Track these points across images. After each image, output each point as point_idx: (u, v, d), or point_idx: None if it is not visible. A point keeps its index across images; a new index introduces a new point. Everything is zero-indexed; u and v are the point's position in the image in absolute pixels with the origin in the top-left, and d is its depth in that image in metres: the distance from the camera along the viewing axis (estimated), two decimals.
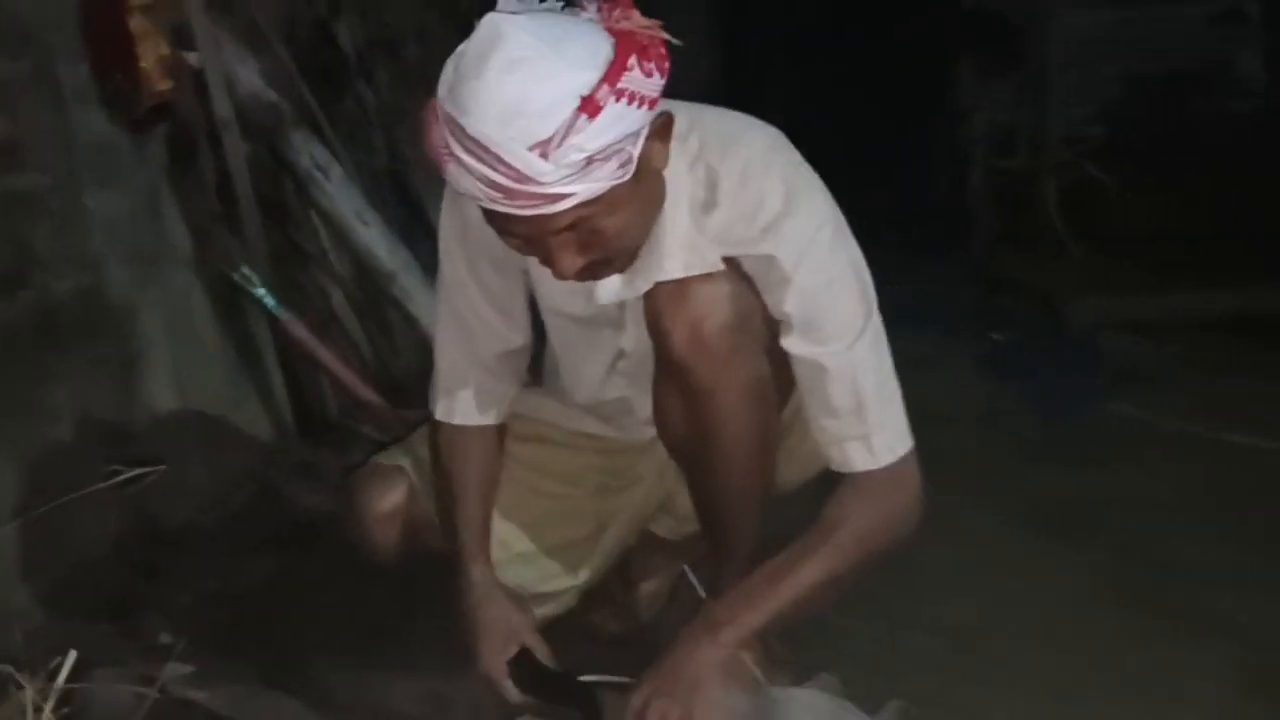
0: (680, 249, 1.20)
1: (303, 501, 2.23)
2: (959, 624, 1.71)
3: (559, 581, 1.55)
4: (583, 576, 1.56)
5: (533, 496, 1.54)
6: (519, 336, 1.43)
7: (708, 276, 1.22)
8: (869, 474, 1.29)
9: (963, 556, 1.90)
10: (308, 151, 2.31)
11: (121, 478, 1.58)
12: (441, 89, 1.08)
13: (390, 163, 2.53)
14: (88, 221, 1.89)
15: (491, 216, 1.10)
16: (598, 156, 1.04)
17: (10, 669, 1.16)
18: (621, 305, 1.30)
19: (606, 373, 1.42)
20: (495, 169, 1.04)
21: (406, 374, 2.52)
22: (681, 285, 1.22)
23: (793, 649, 1.44)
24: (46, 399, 1.82)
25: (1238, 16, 3.35)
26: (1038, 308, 3.07)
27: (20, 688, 1.15)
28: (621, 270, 1.21)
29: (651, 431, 1.45)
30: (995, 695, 1.51)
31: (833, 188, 1.27)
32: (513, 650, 1.36)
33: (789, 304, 1.22)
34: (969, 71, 3.78)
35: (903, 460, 1.30)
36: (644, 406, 1.41)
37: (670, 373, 1.28)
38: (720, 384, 1.26)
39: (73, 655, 0.99)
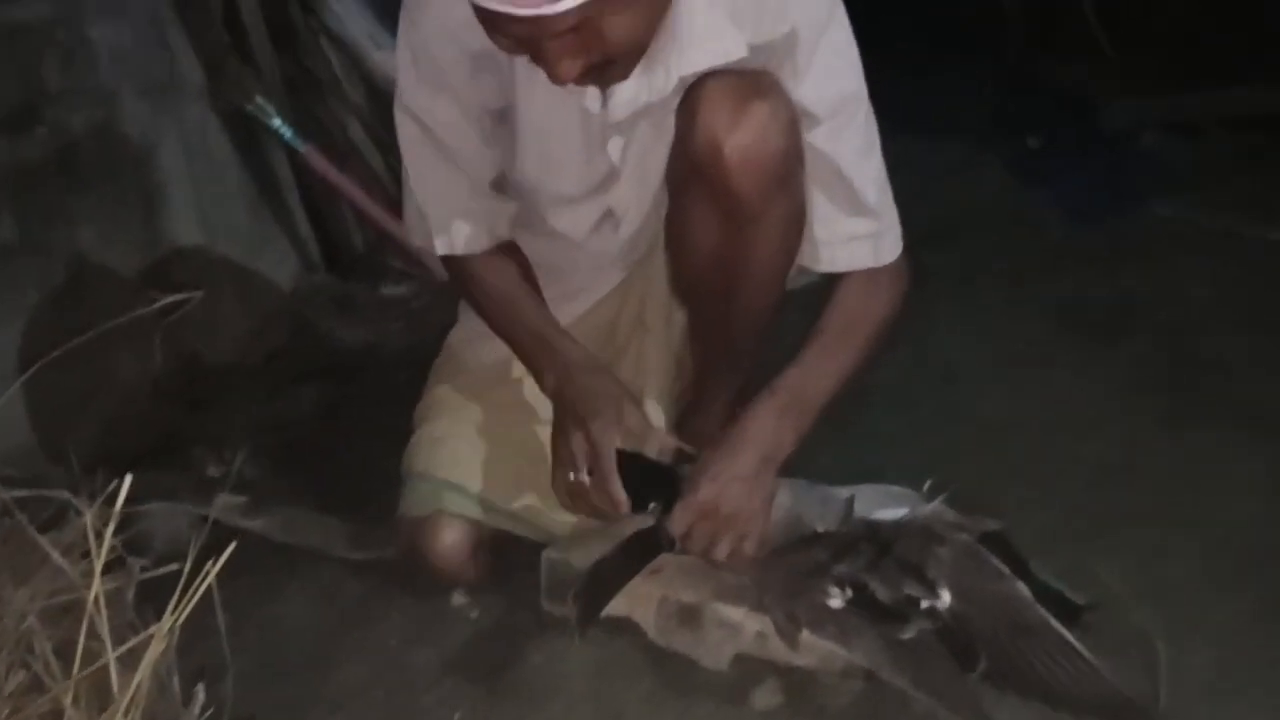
0: (703, 35, 1.07)
1: (339, 335, 2.25)
2: (991, 417, 1.70)
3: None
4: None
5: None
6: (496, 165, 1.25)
7: (759, 88, 1.10)
8: (891, 265, 1.23)
9: (996, 354, 1.89)
10: None
11: (161, 303, 1.57)
12: None
13: None
14: (95, 52, 1.85)
15: (485, 16, 0.94)
16: None
17: (68, 495, 1.18)
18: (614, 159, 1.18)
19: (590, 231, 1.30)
20: None
21: None
22: (736, 98, 1.10)
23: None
24: (74, 238, 1.81)
25: None
26: (1072, 110, 2.97)
27: (79, 514, 1.17)
28: (623, 77, 1.05)
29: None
30: (1028, 486, 1.50)
31: None
32: (618, 434, 1.14)
33: (814, 91, 1.13)
34: None
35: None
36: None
37: (707, 198, 1.17)
38: (767, 213, 1.16)
39: (129, 479, 0.99)
